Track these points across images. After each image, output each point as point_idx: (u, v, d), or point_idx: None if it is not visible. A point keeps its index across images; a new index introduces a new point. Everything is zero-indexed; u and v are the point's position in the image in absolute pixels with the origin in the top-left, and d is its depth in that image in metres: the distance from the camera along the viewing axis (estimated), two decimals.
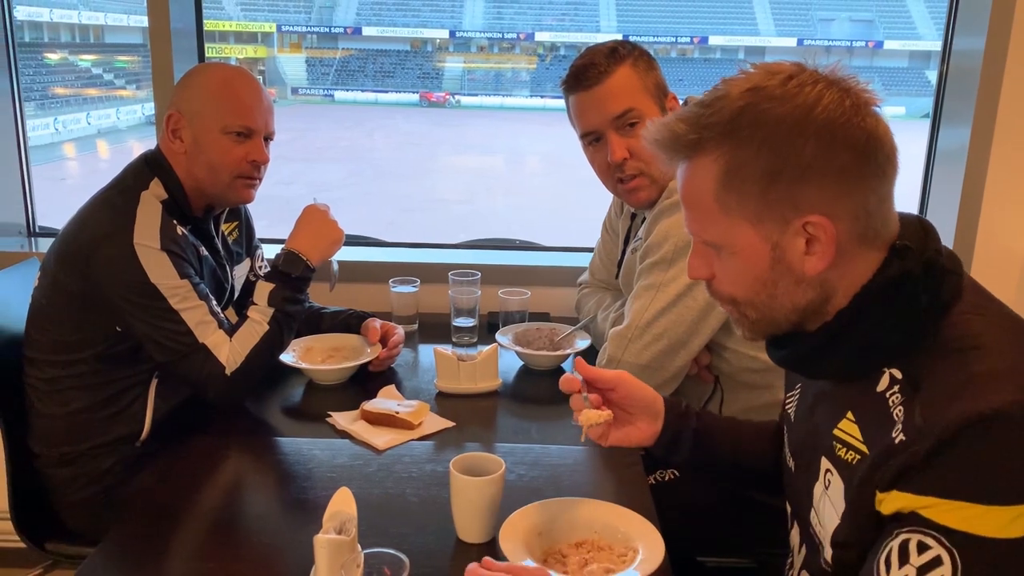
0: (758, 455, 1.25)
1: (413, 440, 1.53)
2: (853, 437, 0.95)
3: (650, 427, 1.23)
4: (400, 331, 1.90)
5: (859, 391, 0.95)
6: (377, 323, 1.90)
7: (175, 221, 1.64)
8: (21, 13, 28.06)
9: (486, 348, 1.76)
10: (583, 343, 1.91)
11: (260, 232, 2.05)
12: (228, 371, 1.59)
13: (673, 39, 44.21)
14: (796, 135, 0.89)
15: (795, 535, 1.14)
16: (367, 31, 45.29)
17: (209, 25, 2.48)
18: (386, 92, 42.00)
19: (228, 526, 1.32)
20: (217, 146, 1.66)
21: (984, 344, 0.88)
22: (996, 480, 0.81)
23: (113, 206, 1.62)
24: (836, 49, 42.15)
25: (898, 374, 0.91)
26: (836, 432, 0.98)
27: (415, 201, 17.56)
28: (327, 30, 46.07)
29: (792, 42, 42.46)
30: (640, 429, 1.22)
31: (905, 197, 1.04)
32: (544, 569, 1.05)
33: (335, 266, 1.86)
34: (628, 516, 1.20)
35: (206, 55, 2.46)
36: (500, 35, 45.91)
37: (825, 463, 1.00)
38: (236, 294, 1.91)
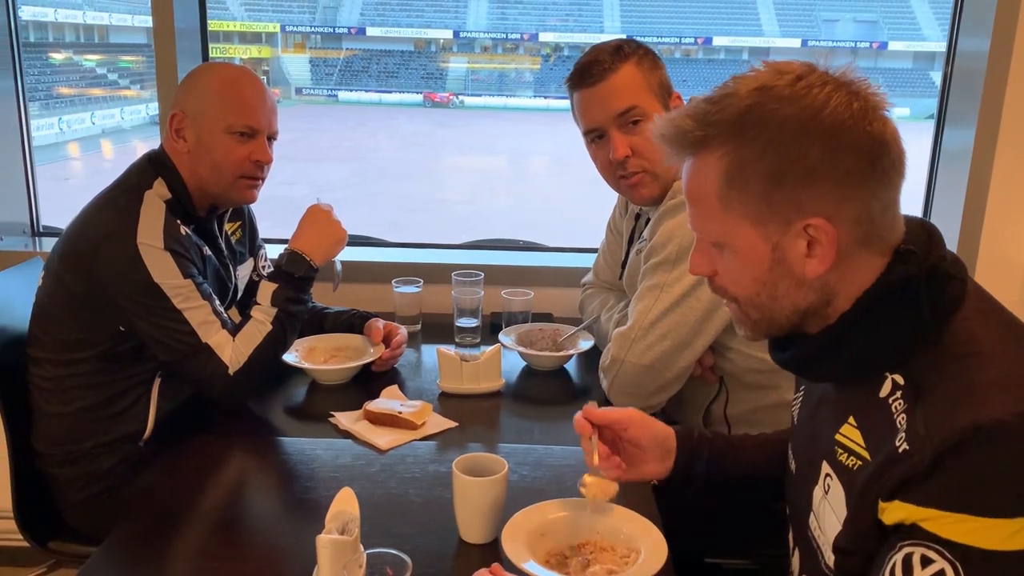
0: (774, 468, 1.24)
1: (416, 440, 1.53)
2: (855, 443, 0.95)
3: (663, 464, 1.23)
4: (403, 331, 1.90)
5: (861, 396, 0.95)
6: (380, 323, 1.90)
7: (178, 221, 1.64)
8: (26, 13, 28.10)
9: (489, 348, 1.76)
10: (586, 344, 1.91)
11: (263, 232, 2.05)
12: (231, 371, 1.59)
13: (677, 39, 44.16)
14: (802, 137, 0.88)
15: (790, 537, 1.14)
16: (371, 31, 45.31)
17: (213, 25, 2.49)
18: (390, 92, 42.01)
19: (231, 526, 1.32)
20: (220, 146, 1.66)
21: (986, 351, 0.87)
22: (996, 492, 0.81)
23: (117, 206, 1.62)
24: (840, 50, 42.07)
25: (900, 380, 0.91)
26: (838, 437, 0.97)
27: (418, 201, 17.55)
28: (331, 30, 46.09)
29: (796, 43, 42.40)
30: (653, 466, 1.22)
31: (909, 199, 1.04)
32: None
33: (338, 266, 1.86)
34: (631, 517, 1.20)
35: (210, 55, 2.47)
36: (504, 35, 45.89)
37: (825, 467, 0.99)
38: (239, 294, 1.91)
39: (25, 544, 1.71)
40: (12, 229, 2.52)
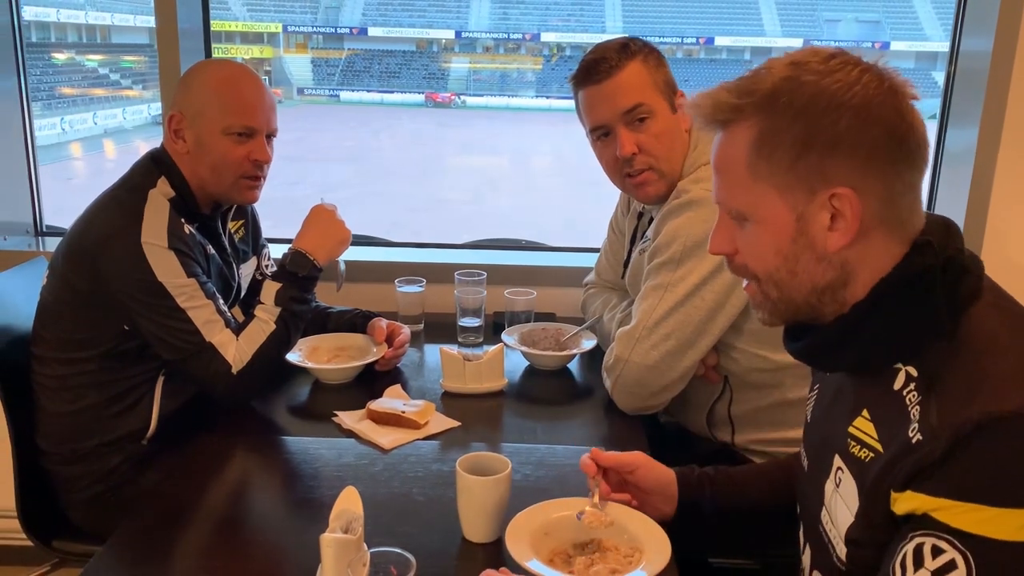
0: (780, 497, 1.24)
1: (419, 440, 1.53)
2: (868, 435, 0.95)
3: (667, 505, 1.24)
4: (406, 331, 1.90)
5: (876, 389, 0.95)
6: (383, 323, 1.90)
7: (182, 219, 1.64)
8: (28, 13, 28.16)
9: (492, 348, 1.76)
10: (589, 343, 1.91)
11: (266, 232, 2.05)
12: (234, 370, 1.59)
13: (679, 39, 44.10)
14: (832, 108, 0.90)
15: (800, 534, 1.14)
16: (373, 31, 45.28)
17: (215, 25, 2.48)
18: (391, 92, 41.97)
19: (234, 525, 1.32)
20: (219, 147, 1.66)
21: (1001, 344, 0.88)
22: (1008, 483, 0.81)
23: (121, 204, 1.63)
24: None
25: (914, 372, 0.91)
26: (851, 430, 0.98)
27: (421, 201, 17.56)
28: (333, 30, 46.07)
29: (798, 43, 42.20)
30: (657, 508, 1.24)
31: (923, 203, 1.04)
32: None
33: (342, 266, 1.86)
34: (634, 516, 1.20)
35: (213, 55, 2.47)
36: (506, 35, 45.85)
37: (837, 461, 1.00)
38: (242, 292, 1.91)
39: (29, 543, 1.71)
40: (16, 229, 2.53)
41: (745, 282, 1.04)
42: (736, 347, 1.64)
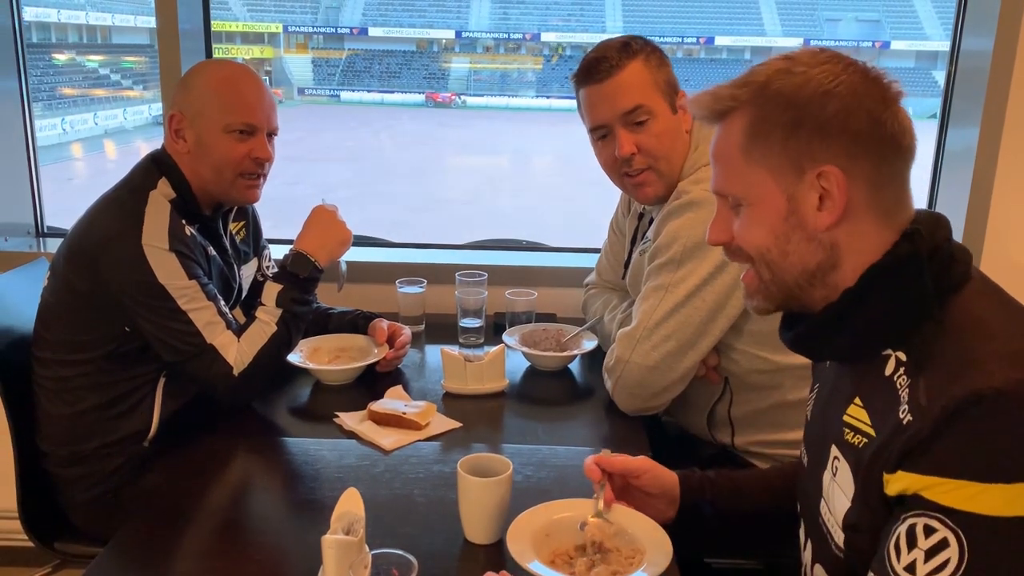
0: (780, 502, 1.25)
1: (420, 441, 1.53)
2: (861, 421, 0.97)
3: (670, 508, 1.25)
4: (407, 331, 1.90)
5: (868, 377, 0.97)
6: (384, 323, 1.90)
7: (184, 221, 1.64)
8: (29, 14, 28.15)
9: (493, 349, 1.76)
10: (590, 344, 1.91)
11: (267, 233, 2.05)
12: (236, 371, 1.59)
13: (679, 39, 44.09)
14: (820, 95, 0.95)
15: (802, 532, 1.15)
16: (373, 31, 45.29)
17: (216, 26, 2.49)
18: (392, 92, 41.99)
19: (236, 526, 1.32)
20: (220, 145, 1.66)
21: (987, 325, 0.91)
22: (994, 458, 0.83)
23: (122, 206, 1.63)
24: (842, 50, 41.98)
25: (903, 356, 0.94)
26: (845, 418, 1.00)
27: (421, 201, 17.56)
28: (333, 30, 46.09)
29: (798, 42, 42.25)
30: (660, 511, 1.24)
31: (912, 199, 1.05)
32: None
33: (343, 267, 1.86)
34: (635, 518, 1.20)
35: (213, 56, 2.47)
36: (506, 35, 45.85)
37: (834, 451, 1.02)
38: (243, 294, 1.91)
39: (30, 544, 1.71)
40: (16, 230, 2.53)
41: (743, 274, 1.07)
42: (736, 348, 1.64)
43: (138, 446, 1.70)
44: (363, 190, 18.35)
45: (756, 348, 1.62)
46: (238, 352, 1.60)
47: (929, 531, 0.84)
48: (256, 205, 1.94)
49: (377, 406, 1.60)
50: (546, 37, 45.64)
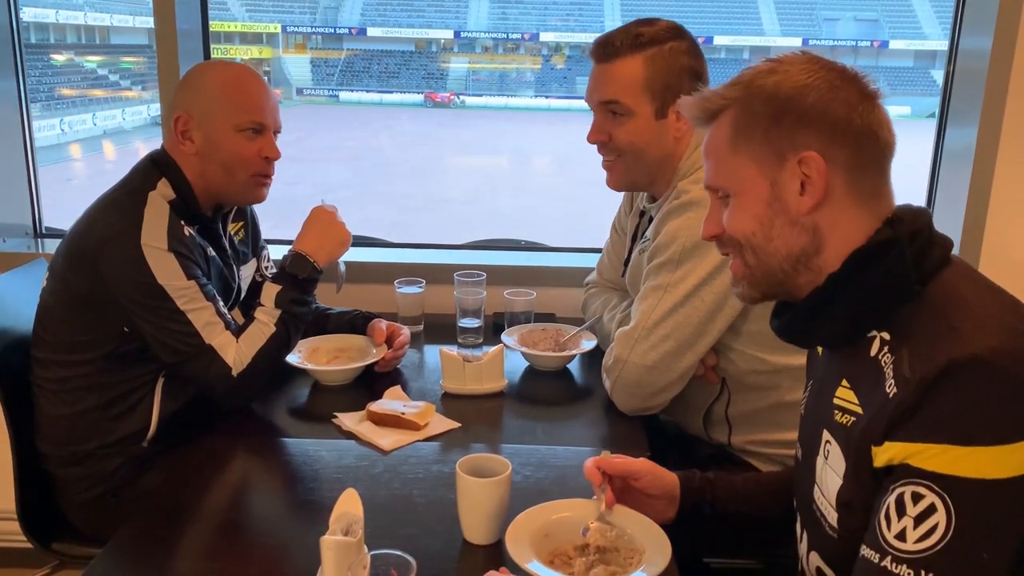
0: (779, 506, 1.25)
1: (419, 441, 1.53)
2: (849, 402, 1.00)
3: (670, 509, 1.26)
4: (406, 332, 1.90)
5: (854, 359, 1.01)
6: (383, 324, 1.90)
7: (183, 221, 1.64)
8: (27, 14, 28.15)
9: (492, 349, 1.76)
10: (589, 344, 1.91)
11: (266, 233, 2.05)
12: (235, 372, 1.59)
13: None
14: (800, 87, 1.01)
15: (798, 525, 1.16)
16: (372, 31, 45.27)
17: (214, 26, 2.49)
18: (391, 93, 41.97)
19: (235, 527, 1.32)
20: (230, 144, 1.66)
21: (966, 299, 0.95)
22: (975, 422, 0.85)
23: (121, 207, 1.62)
24: (841, 49, 41.98)
25: (887, 335, 0.97)
26: (835, 401, 1.03)
27: (420, 201, 17.56)
28: (332, 31, 46.05)
29: (797, 42, 42.29)
30: (659, 511, 1.25)
31: (911, 198, 1.08)
32: None
33: (342, 267, 1.85)
34: (634, 518, 1.20)
35: (211, 56, 2.47)
36: (505, 35, 45.84)
37: (825, 435, 1.05)
38: (242, 294, 1.91)
39: (29, 545, 1.71)
40: (15, 231, 2.53)
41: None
42: (734, 348, 1.64)
43: (137, 447, 1.70)
44: (362, 190, 18.35)
45: (754, 349, 1.62)
46: (237, 353, 1.60)
47: (917, 498, 0.87)
48: (255, 205, 1.94)
49: (376, 406, 1.60)
50: (545, 37, 45.62)
